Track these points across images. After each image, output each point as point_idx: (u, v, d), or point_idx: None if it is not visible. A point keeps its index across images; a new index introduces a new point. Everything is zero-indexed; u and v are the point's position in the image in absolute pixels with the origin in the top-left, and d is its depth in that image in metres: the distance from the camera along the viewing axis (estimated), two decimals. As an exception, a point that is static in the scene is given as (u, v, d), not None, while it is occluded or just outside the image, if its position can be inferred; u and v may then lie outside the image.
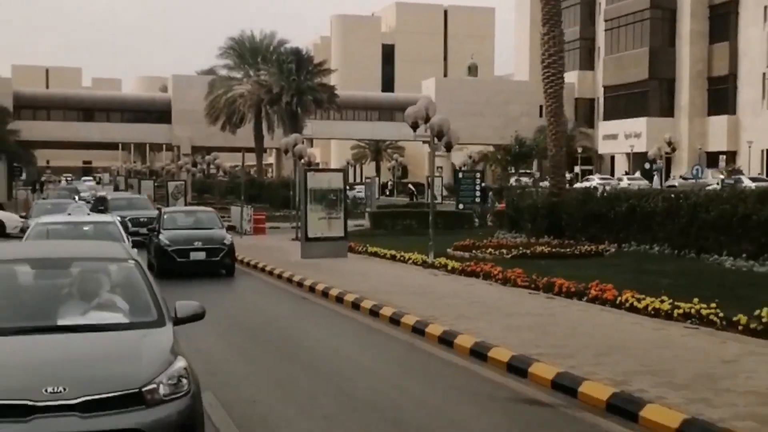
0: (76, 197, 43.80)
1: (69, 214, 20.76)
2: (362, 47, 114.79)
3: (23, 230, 25.00)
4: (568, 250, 20.01)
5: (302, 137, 34.64)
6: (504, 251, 19.75)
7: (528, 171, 67.33)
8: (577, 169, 67.30)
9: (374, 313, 13.19)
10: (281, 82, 53.73)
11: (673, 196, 19.91)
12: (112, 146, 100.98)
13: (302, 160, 31.66)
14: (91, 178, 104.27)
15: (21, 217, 31.76)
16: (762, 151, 61.02)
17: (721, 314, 10.94)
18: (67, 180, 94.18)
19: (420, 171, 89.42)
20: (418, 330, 11.65)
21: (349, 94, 75.48)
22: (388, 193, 79.31)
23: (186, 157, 70.70)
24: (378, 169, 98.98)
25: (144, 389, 5.48)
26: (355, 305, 14.04)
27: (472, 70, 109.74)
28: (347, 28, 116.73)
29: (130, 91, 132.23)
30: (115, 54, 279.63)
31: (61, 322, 6.30)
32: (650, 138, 63.47)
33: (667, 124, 66.14)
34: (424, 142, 22.29)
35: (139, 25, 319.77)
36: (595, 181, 55.05)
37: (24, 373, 5.54)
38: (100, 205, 31.64)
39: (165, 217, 21.47)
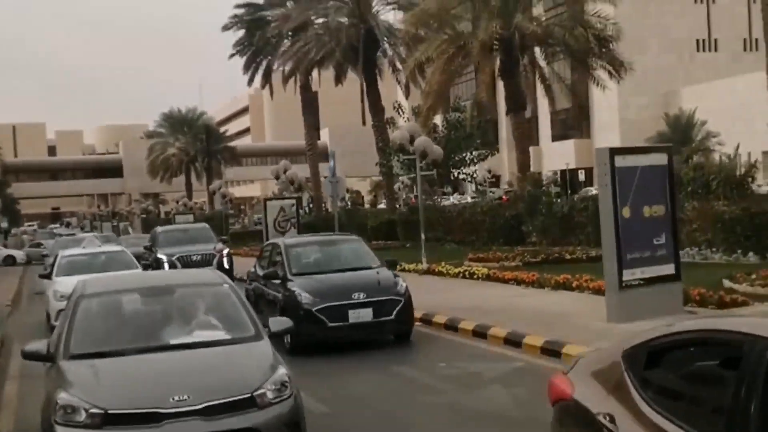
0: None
1: (83, 247, 20.78)
2: (289, 96, 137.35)
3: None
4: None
5: (223, 182, 57.33)
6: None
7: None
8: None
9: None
10: (196, 148, 76.27)
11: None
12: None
13: (225, 198, 53.96)
14: (58, 224, 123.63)
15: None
16: (555, 171, 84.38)
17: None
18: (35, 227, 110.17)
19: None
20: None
21: (258, 145, 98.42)
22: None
23: (135, 202, 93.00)
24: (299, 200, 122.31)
25: (255, 394, 6.37)
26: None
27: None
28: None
29: (91, 142, 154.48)
30: (77, 103, 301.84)
31: (173, 342, 7.18)
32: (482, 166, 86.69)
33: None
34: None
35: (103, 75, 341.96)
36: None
37: (152, 385, 6.47)
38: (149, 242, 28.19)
39: (289, 252, 14.10)
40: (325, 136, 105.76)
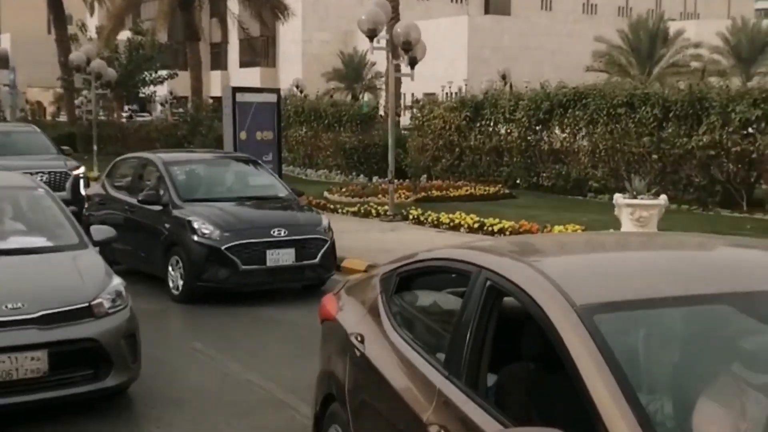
0: None
1: None
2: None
3: None
4: None
5: None
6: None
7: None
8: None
9: None
10: None
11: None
12: None
13: None
14: None
15: None
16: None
17: None
18: None
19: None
20: None
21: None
22: None
23: None
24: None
25: (92, 303, 6.03)
26: None
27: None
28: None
29: None
30: None
31: None
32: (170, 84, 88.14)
33: (184, 76, 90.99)
34: None
35: None
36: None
37: None
38: None
39: (171, 171, 11.07)
40: (6, 41, 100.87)
